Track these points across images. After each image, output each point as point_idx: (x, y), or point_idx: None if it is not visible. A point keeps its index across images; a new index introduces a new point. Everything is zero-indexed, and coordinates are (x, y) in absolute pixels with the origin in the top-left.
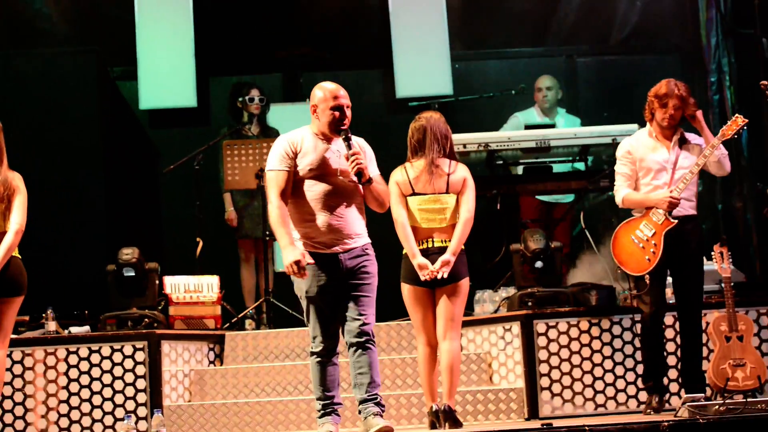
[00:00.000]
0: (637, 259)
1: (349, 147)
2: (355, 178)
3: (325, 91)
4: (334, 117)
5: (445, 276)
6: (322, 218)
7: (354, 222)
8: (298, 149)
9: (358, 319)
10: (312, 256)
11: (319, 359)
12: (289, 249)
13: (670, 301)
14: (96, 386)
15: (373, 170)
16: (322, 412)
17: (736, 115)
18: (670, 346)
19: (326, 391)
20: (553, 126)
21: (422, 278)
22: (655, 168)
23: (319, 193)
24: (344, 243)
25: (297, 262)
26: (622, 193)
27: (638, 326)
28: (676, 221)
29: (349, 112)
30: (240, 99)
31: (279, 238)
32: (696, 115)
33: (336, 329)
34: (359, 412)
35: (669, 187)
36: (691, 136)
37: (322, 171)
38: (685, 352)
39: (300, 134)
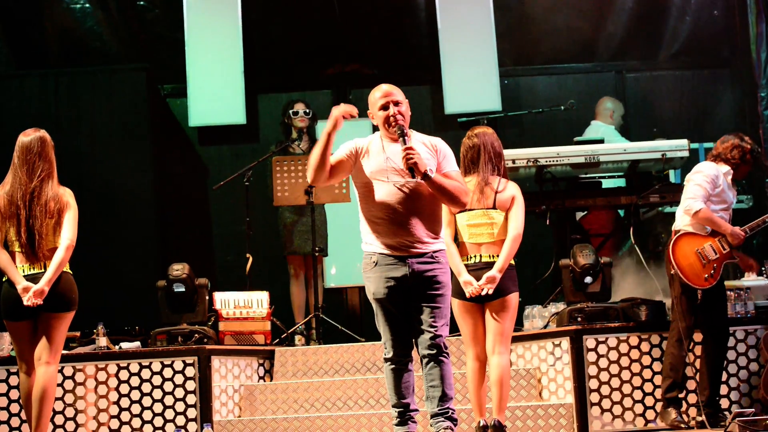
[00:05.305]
0: (696, 273)
1: (403, 143)
2: (409, 175)
3: (374, 92)
4: (386, 116)
5: (490, 293)
6: (389, 221)
7: (422, 225)
8: (362, 151)
9: (430, 331)
10: (381, 258)
11: (391, 366)
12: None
13: None
14: (146, 401)
15: (447, 166)
16: (398, 419)
17: None
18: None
19: (400, 398)
20: (601, 141)
21: (467, 295)
22: (730, 204)
23: (385, 195)
24: (413, 246)
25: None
26: (701, 205)
27: (670, 338)
28: (737, 260)
29: (402, 108)
30: (287, 114)
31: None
32: None
33: (407, 335)
34: (431, 426)
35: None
36: None
37: (386, 172)
38: (715, 369)
39: (369, 138)
